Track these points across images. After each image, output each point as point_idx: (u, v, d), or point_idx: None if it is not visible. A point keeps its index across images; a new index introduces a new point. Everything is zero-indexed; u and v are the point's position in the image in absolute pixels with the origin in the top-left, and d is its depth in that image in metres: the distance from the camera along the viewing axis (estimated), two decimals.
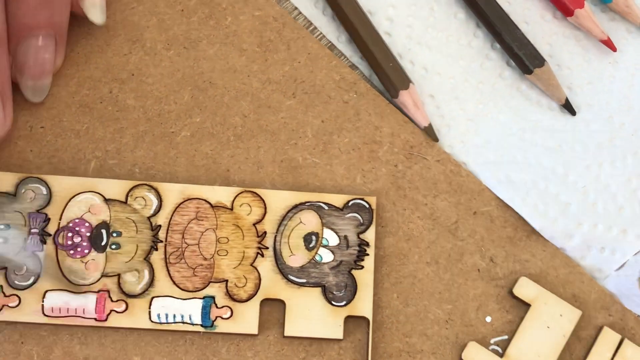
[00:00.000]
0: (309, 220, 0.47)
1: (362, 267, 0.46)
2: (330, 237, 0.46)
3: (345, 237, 0.46)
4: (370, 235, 0.46)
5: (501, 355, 0.46)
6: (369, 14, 0.51)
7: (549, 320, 0.46)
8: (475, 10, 0.51)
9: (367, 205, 0.47)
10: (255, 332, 0.45)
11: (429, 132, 0.49)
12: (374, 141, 0.48)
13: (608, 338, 0.46)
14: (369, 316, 0.46)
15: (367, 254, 0.46)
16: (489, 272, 0.47)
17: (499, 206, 0.48)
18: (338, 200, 0.47)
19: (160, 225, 0.46)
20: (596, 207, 0.49)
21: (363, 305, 0.46)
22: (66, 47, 0.47)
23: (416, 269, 0.47)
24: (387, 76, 0.49)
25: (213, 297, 0.45)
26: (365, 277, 0.46)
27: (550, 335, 0.46)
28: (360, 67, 0.50)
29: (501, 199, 0.48)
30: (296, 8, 0.50)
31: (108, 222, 0.46)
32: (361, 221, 0.47)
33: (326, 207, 0.47)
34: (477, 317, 0.47)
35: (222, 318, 0.45)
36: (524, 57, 0.49)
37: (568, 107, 0.50)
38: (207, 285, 0.45)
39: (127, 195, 0.46)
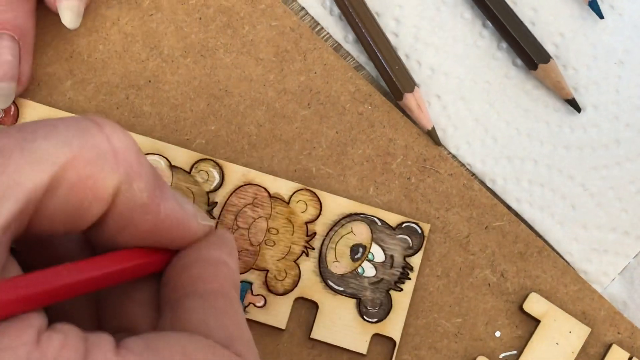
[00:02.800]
0: (360, 232, 0.45)
1: (402, 289, 0.45)
2: (377, 253, 0.45)
3: (392, 256, 0.45)
4: (416, 261, 0.45)
5: None
6: (376, 14, 0.49)
7: (558, 337, 0.45)
8: (482, 7, 0.49)
9: (420, 231, 0.45)
10: (283, 327, 0.44)
11: (432, 136, 0.47)
12: (388, 153, 0.47)
13: (617, 356, 0.45)
14: (397, 339, 0.44)
15: (409, 278, 0.45)
16: (499, 287, 0.46)
17: (511, 221, 0.46)
18: (393, 219, 0.45)
19: (216, 203, 0.45)
20: (600, 210, 0.47)
21: (393, 326, 0.44)
22: (83, 54, 0.46)
23: (427, 281, 0.45)
24: (392, 79, 0.47)
25: (251, 284, 0.44)
26: (402, 300, 0.44)
27: (559, 351, 0.45)
28: (367, 67, 0.48)
29: (513, 214, 0.47)
30: (303, 8, 0.49)
31: None
32: (410, 245, 0.45)
33: (379, 223, 0.45)
34: (487, 331, 0.45)
35: (255, 306, 0.44)
36: (530, 53, 0.47)
37: (574, 104, 0.48)
38: (247, 271, 0.44)
39: (192, 167, 0.45)
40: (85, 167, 0.30)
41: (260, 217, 0.45)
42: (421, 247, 0.45)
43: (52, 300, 0.30)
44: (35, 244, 0.35)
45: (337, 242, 0.45)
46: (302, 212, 0.45)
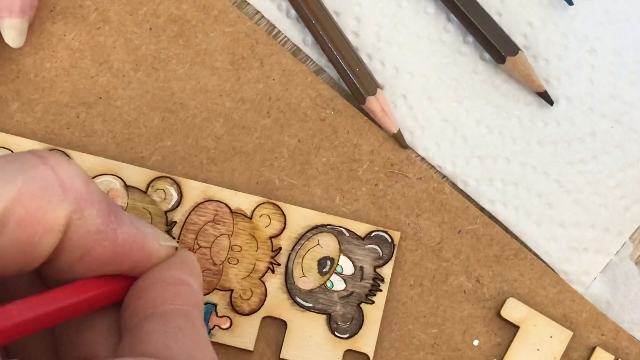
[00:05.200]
0: (327, 244, 0.42)
1: (373, 302, 0.42)
2: (346, 266, 0.42)
3: (361, 268, 0.42)
4: (387, 271, 0.42)
5: None
6: (335, 14, 0.46)
7: (539, 343, 0.42)
8: (446, 1, 0.46)
9: (390, 240, 0.42)
10: (252, 348, 0.41)
11: (399, 139, 0.44)
12: (353, 160, 0.44)
13: (601, 359, 0.42)
14: (371, 354, 0.42)
15: (381, 290, 0.42)
16: (475, 294, 0.43)
17: (485, 224, 0.43)
18: (361, 228, 0.42)
19: (175, 222, 0.42)
20: (577, 207, 0.45)
21: (366, 341, 0.42)
22: (29, 74, 0.43)
23: (399, 292, 0.43)
24: (354, 82, 0.44)
25: (215, 305, 0.41)
26: (373, 313, 0.42)
27: (540, 358, 0.42)
28: (328, 70, 0.45)
29: (486, 216, 0.44)
30: (258, 12, 0.45)
31: (124, 208, 0.42)
32: (380, 255, 0.42)
33: (347, 234, 0.42)
34: (464, 340, 0.43)
35: (221, 328, 0.41)
36: (497, 46, 0.44)
37: (546, 97, 0.45)
38: (211, 292, 0.41)
39: (148, 186, 0.42)
40: (32, 201, 0.29)
41: (222, 234, 0.42)
42: (392, 256, 0.42)
43: (3, 341, 0.28)
44: None
45: (304, 256, 0.42)
46: (266, 227, 0.42)
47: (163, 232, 0.34)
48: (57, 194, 0.29)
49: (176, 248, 0.35)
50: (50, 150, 0.42)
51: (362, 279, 0.42)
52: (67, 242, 0.30)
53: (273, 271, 0.42)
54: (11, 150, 0.42)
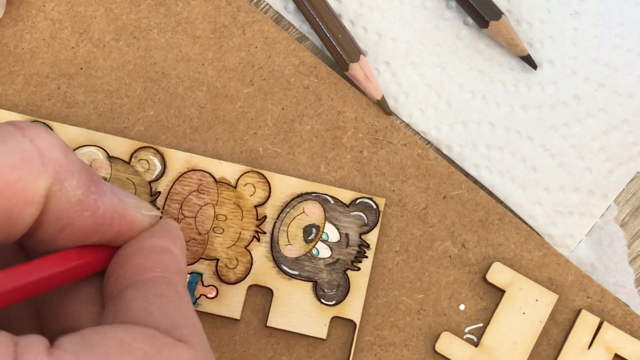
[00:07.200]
0: (312, 212, 0.42)
1: (359, 269, 0.42)
2: (331, 233, 0.42)
3: (347, 235, 0.42)
4: (372, 238, 0.42)
5: (476, 344, 0.42)
6: None
7: (525, 306, 0.42)
8: None
9: (375, 206, 0.42)
10: (238, 317, 0.41)
11: (383, 105, 0.44)
12: (337, 127, 0.43)
13: (586, 321, 0.42)
14: (357, 320, 0.41)
15: (366, 257, 0.42)
16: (461, 259, 0.43)
17: (470, 189, 0.43)
18: (346, 195, 0.42)
19: (159, 192, 0.41)
20: (562, 170, 0.44)
21: (352, 308, 0.41)
22: (9, 45, 0.42)
23: (385, 258, 0.42)
24: (337, 49, 0.43)
25: (201, 274, 0.41)
26: (359, 279, 0.41)
27: (526, 321, 0.42)
28: (311, 37, 0.45)
29: (471, 181, 0.43)
30: None
31: (107, 179, 0.41)
32: (365, 221, 0.42)
33: (332, 201, 0.42)
34: (450, 305, 0.42)
35: (207, 297, 0.41)
36: (480, 10, 0.44)
37: (529, 61, 0.45)
38: (196, 261, 0.41)
39: (131, 156, 0.41)
40: (11, 172, 0.28)
41: (207, 204, 0.41)
42: (377, 223, 0.42)
43: None
44: None
45: (289, 224, 0.42)
46: (251, 196, 0.42)
47: (145, 202, 0.34)
48: (37, 165, 0.29)
49: (160, 218, 0.34)
50: (32, 122, 0.41)
51: (347, 246, 0.42)
52: (47, 214, 0.30)
53: (258, 240, 0.42)
54: None
